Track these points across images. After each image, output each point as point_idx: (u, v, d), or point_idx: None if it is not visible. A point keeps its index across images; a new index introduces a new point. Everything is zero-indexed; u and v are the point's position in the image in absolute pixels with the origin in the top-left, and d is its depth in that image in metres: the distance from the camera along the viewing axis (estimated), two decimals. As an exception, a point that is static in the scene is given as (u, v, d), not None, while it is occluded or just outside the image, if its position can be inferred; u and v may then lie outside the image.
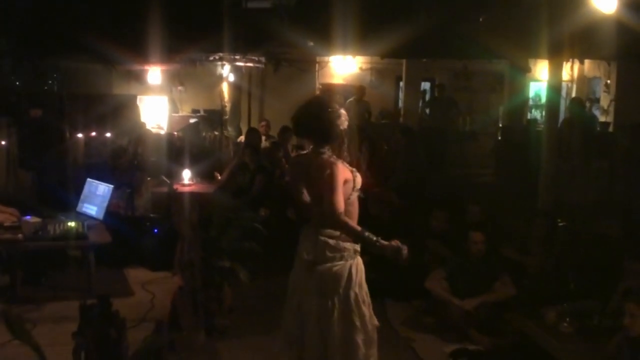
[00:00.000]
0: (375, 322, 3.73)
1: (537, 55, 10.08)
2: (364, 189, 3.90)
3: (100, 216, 6.42)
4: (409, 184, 8.68)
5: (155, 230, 7.12)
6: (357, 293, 3.63)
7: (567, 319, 4.62)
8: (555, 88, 8.21)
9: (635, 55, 9.53)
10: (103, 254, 6.14)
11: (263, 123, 11.05)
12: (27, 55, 9.93)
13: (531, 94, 14.70)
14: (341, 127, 3.67)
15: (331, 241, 3.60)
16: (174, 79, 13.06)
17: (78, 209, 6.68)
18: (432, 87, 14.61)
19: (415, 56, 12.51)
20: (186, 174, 8.43)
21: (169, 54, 10.56)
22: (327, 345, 3.61)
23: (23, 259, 5.91)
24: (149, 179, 8.23)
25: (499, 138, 12.71)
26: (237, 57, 11.21)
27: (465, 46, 9.60)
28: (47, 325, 5.05)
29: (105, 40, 9.32)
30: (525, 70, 10.57)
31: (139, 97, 12.28)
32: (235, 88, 12.63)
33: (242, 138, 10.90)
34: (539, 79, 13.62)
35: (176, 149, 9.88)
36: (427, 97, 14.58)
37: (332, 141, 3.66)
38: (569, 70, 13.40)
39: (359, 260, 3.70)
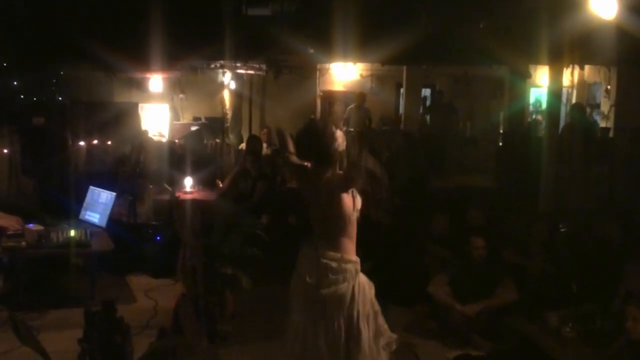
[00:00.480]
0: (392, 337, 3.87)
1: (537, 61, 10.10)
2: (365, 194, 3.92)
3: (103, 223, 6.44)
4: (409, 189, 8.70)
5: (158, 238, 7.14)
6: (360, 311, 3.69)
7: (569, 323, 4.63)
8: (555, 94, 8.24)
9: (635, 61, 9.55)
10: (106, 261, 6.16)
11: (265, 130, 11.08)
12: (30, 63, 9.97)
13: (532, 99, 14.72)
14: (339, 150, 3.69)
15: (333, 264, 3.63)
16: (175, 87, 13.10)
17: (80, 216, 6.70)
18: (432, 94, 14.64)
19: (416, 63, 12.54)
20: (188, 182, 8.45)
21: (170, 61, 10.60)
22: None
23: (26, 266, 5.93)
24: (150, 186, 8.25)
25: (500, 143, 12.73)
26: (238, 64, 11.26)
27: (466, 52, 9.63)
28: (51, 332, 5.06)
29: (107, 48, 9.35)
30: (525, 76, 10.59)
31: (140, 104, 12.32)
32: (236, 95, 12.66)
33: (243, 145, 10.93)
34: (540, 84, 13.65)
35: (178, 157, 9.90)
36: (428, 103, 14.61)
37: (332, 164, 3.69)
38: (569, 76, 13.43)
39: (360, 278, 3.74)
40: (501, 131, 13.51)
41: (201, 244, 5.42)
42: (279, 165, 9.18)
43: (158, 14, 9.68)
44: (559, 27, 6.40)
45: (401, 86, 14.30)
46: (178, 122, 13.01)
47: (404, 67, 13.51)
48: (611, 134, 12.21)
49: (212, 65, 11.17)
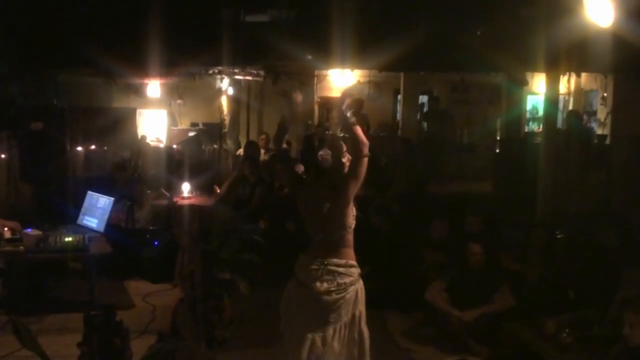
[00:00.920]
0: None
1: (534, 69, 10.13)
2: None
3: (101, 228, 6.45)
4: (407, 195, 8.72)
5: (156, 243, 7.15)
6: (362, 311, 3.77)
7: (567, 329, 4.64)
8: (552, 101, 8.27)
9: (632, 69, 9.60)
10: (104, 266, 6.17)
11: (263, 136, 11.10)
12: (28, 68, 9.97)
13: (529, 106, 14.77)
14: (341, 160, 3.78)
15: (341, 269, 3.69)
16: (173, 93, 13.11)
17: (79, 221, 6.71)
18: (429, 100, 14.68)
19: (413, 69, 12.57)
20: (186, 187, 8.46)
21: (168, 67, 10.60)
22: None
23: (25, 271, 5.93)
24: (148, 191, 8.26)
25: (497, 150, 12.76)
26: (236, 70, 11.27)
27: (463, 59, 9.64)
28: (49, 337, 5.07)
29: (105, 53, 9.36)
30: (522, 83, 10.60)
31: (138, 110, 12.33)
32: (234, 101, 12.67)
33: (241, 151, 10.95)
34: (537, 92, 13.68)
35: (175, 162, 9.91)
36: (425, 109, 14.65)
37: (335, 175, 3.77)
38: (566, 84, 13.49)
39: (360, 282, 3.82)
40: (498, 138, 13.54)
41: (199, 249, 5.43)
42: (277, 170, 9.21)
43: (156, 19, 9.69)
44: (556, 34, 6.43)
45: (399, 93, 14.33)
46: (176, 128, 13.03)
47: (402, 74, 13.55)
48: (608, 141, 12.26)
49: (210, 71, 11.19)
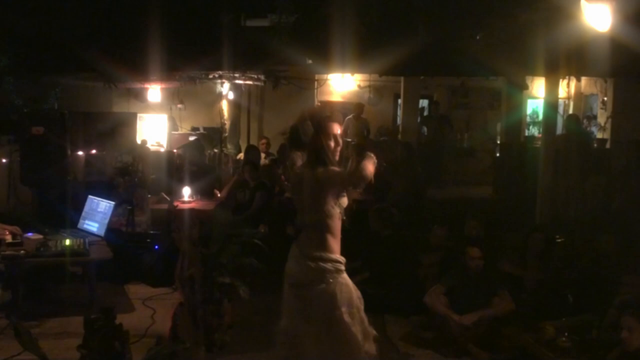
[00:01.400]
0: (372, 332, 3.81)
1: (534, 73, 10.16)
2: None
3: (102, 233, 6.47)
4: (407, 200, 8.74)
5: (156, 247, 7.16)
6: (344, 311, 3.67)
7: (565, 334, 4.66)
8: (552, 105, 8.30)
9: (630, 73, 9.63)
10: (104, 270, 6.18)
11: (263, 141, 11.13)
12: (29, 73, 10.00)
13: (529, 111, 14.80)
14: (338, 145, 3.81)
15: (312, 264, 3.66)
16: (174, 97, 13.15)
17: (79, 225, 6.73)
18: (429, 105, 14.72)
19: (413, 74, 12.60)
20: (186, 191, 8.48)
21: (169, 72, 10.63)
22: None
23: (25, 275, 5.94)
24: (149, 196, 8.28)
25: (497, 154, 12.78)
26: (237, 75, 11.30)
27: (463, 64, 9.66)
28: (50, 340, 5.08)
29: (105, 58, 9.39)
30: (522, 87, 10.64)
31: (139, 115, 12.35)
32: (235, 105, 12.72)
33: (241, 155, 10.97)
34: (537, 96, 13.72)
35: (176, 167, 9.93)
36: (425, 114, 14.69)
37: (327, 160, 3.72)
38: (566, 88, 13.52)
39: (344, 278, 3.74)
40: (498, 142, 13.57)
41: (199, 254, 5.43)
42: (277, 175, 9.23)
43: (157, 24, 9.72)
44: (555, 39, 6.46)
45: (399, 97, 14.36)
46: (176, 132, 13.06)
47: (402, 78, 13.59)
48: (608, 145, 12.27)
49: (211, 76, 11.22)
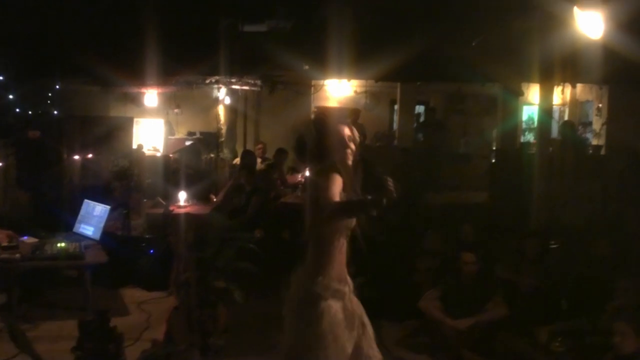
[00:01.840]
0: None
1: (529, 79, 10.23)
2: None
3: (97, 236, 6.47)
4: (403, 204, 8.75)
5: (151, 251, 7.17)
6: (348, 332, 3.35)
7: (559, 338, 4.69)
8: (546, 111, 8.34)
9: (623, 80, 9.69)
10: (99, 274, 6.18)
11: (259, 146, 11.14)
12: (26, 77, 10.03)
13: (524, 117, 14.84)
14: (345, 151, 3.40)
15: (308, 284, 3.29)
16: (171, 102, 13.15)
17: (75, 229, 6.73)
18: (425, 111, 14.75)
19: (409, 80, 12.65)
20: (182, 196, 8.49)
21: (166, 76, 10.67)
22: None
23: (20, 278, 5.94)
24: (145, 200, 8.28)
25: (493, 160, 12.81)
26: (233, 79, 11.34)
27: (459, 70, 9.72)
28: (44, 344, 5.07)
29: (102, 63, 9.42)
30: (518, 93, 10.71)
31: (135, 119, 12.38)
32: (231, 110, 12.72)
33: (237, 160, 10.98)
34: (532, 102, 13.76)
35: (172, 171, 9.95)
36: (421, 119, 14.72)
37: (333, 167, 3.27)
38: (561, 94, 13.57)
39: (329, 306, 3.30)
40: (494, 148, 13.60)
41: (195, 258, 5.45)
42: (273, 180, 9.25)
43: (154, 29, 9.77)
44: (548, 46, 6.51)
45: (395, 103, 14.39)
46: (173, 137, 13.07)
47: (398, 84, 13.62)
48: (603, 152, 12.32)
49: (208, 81, 11.25)
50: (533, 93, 13.32)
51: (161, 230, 7.62)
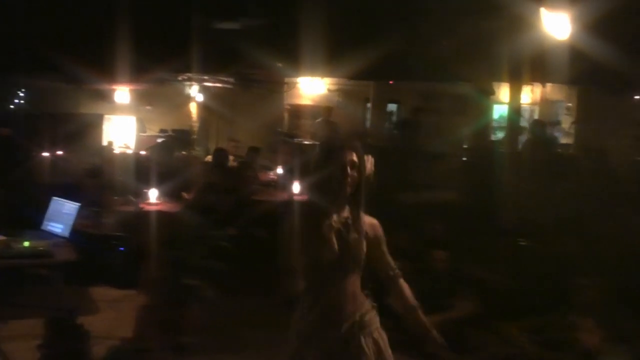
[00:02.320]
0: None
1: (499, 79, 10.35)
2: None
3: (66, 234, 6.39)
4: (375, 202, 8.79)
5: (122, 249, 7.11)
6: None
7: (526, 334, 4.75)
8: (516, 110, 8.44)
9: (591, 80, 9.86)
10: (69, 272, 6.11)
11: (232, 143, 11.12)
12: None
13: (496, 116, 14.97)
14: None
15: None
16: (142, 99, 13.07)
17: (43, 227, 6.64)
18: (398, 109, 14.82)
19: (382, 78, 12.72)
20: (153, 193, 8.43)
21: (137, 73, 10.58)
22: None
23: (-13, 277, 5.87)
24: (116, 197, 8.21)
25: (465, 159, 12.91)
26: (206, 77, 11.30)
27: (431, 69, 9.79)
28: (12, 342, 5.00)
29: (72, 59, 9.31)
30: (489, 93, 10.80)
31: (106, 116, 12.27)
32: (204, 108, 12.69)
33: (210, 157, 10.95)
34: (504, 101, 13.89)
35: (143, 169, 9.87)
36: (394, 118, 14.79)
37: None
38: (531, 93, 13.74)
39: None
40: (465, 147, 13.71)
41: (166, 256, 5.43)
42: (246, 178, 9.24)
43: (126, 25, 9.68)
44: (517, 46, 6.60)
45: (368, 101, 14.45)
46: (144, 134, 12.98)
47: (371, 83, 13.69)
48: (572, 151, 12.51)
49: (180, 78, 11.20)
50: (504, 92, 13.46)
51: (132, 228, 7.57)
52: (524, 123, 11.67)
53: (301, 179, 3.18)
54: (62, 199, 6.66)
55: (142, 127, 13.22)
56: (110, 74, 10.30)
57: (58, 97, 12.14)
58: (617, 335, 4.03)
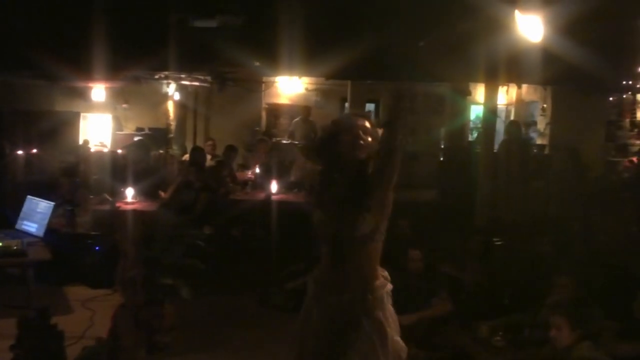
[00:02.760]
0: None
1: (475, 80, 10.45)
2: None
3: (40, 233, 6.35)
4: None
5: (97, 248, 7.06)
6: None
7: (500, 333, 4.80)
8: (491, 111, 8.53)
9: (564, 81, 9.98)
10: (43, 272, 6.07)
11: (209, 142, 11.08)
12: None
13: (472, 116, 15.09)
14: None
15: None
16: (119, 97, 12.96)
17: (17, 226, 6.59)
18: (376, 108, 14.87)
19: (359, 78, 12.76)
20: (129, 192, 8.38)
21: (114, 71, 10.50)
22: None
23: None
24: (91, 196, 8.15)
25: (441, 158, 13.01)
26: (183, 75, 11.24)
27: (408, 69, 9.83)
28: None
29: (47, 55, 9.21)
30: (465, 93, 10.91)
31: (82, 114, 12.16)
32: (181, 106, 12.62)
33: (187, 156, 10.90)
34: (480, 102, 14.01)
35: (120, 167, 9.80)
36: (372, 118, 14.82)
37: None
38: (507, 94, 13.88)
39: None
40: (442, 146, 13.81)
41: (142, 255, 5.40)
42: (223, 176, 9.21)
43: (102, 22, 9.60)
44: (492, 48, 6.68)
45: (346, 100, 14.48)
46: (121, 132, 12.88)
47: (349, 82, 13.72)
48: (547, 151, 12.66)
49: (157, 76, 11.13)
50: (480, 93, 13.58)
51: (108, 227, 7.52)
52: (500, 123, 11.79)
53: (311, 152, 3.01)
54: (36, 198, 6.62)
55: (118, 125, 13.13)
56: (86, 71, 10.21)
57: (33, 94, 12.00)
58: (588, 333, 4.08)
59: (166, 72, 10.92)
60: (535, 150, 12.16)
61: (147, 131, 12.77)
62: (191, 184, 8.41)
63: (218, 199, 8.55)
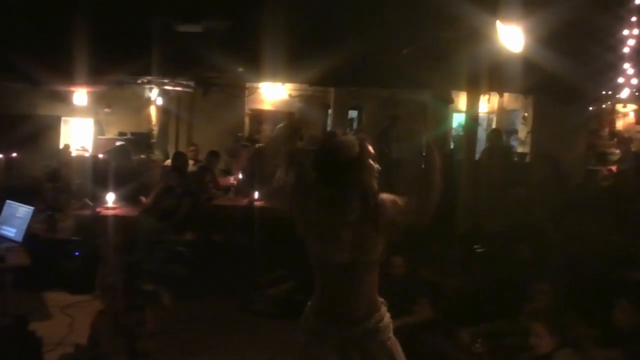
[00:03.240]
0: None
1: (457, 88, 10.52)
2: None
3: (20, 238, 6.27)
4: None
5: (77, 253, 7.00)
6: None
7: (480, 339, 4.84)
8: (473, 119, 8.59)
9: (543, 91, 10.09)
10: (21, 277, 6.00)
11: (192, 148, 11.05)
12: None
13: (454, 124, 15.18)
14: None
15: None
16: (101, 101, 12.90)
17: (-5, 231, 6.51)
18: (359, 115, 14.93)
19: (343, 85, 12.81)
20: (110, 197, 8.33)
21: (96, 75, 10.45)
22: None
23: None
24: (72, 201, 8.09)
25: (423, 166, 13.05)
26: (166, 80, 11.21)
27: (391, 76, 9.89)
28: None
29: (28, 59, 9.15)
30: (447, 101, 10.97)
31: (64, 118, 12.08)
32: (164, 111, 12.58)
33: (169, 161, 10.86)
34: (462, 110, 14.11)
35: (101, 172, 9.74)
36: (355, 124, 14.88)
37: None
38: (488, 103, 13.99)
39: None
40: (424, 154, 13.86)
41: (122, 260, 5.37)
42: (205, 182, 9.19)
43: (84, 26, 9.55)
44: (474, 57, 6.74)
45: (329, 107, 14.52)
46: (103, 137, 12.81)
47: (332, 89, 13.76)
48: (528, 159, 12.76)
49: (139, 81, 11.09)
50: (462, 101, 13.67)
51: (89, 233, 7.46)
52: (482, 132, 11.87)
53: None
54: (15, 203, 6.54)
55: (100, 129, 13.05)
56: (68, 75, 10.15)
57: (13, 97, 11.90)
58: (568, 340, 4.12)
59: (149, 77, 10.89)
60: (516, 159, 12.26)
61: (129, 136, 12.71)
62: (173, 189, 8.37)
63: (200, 204, 8.52)
